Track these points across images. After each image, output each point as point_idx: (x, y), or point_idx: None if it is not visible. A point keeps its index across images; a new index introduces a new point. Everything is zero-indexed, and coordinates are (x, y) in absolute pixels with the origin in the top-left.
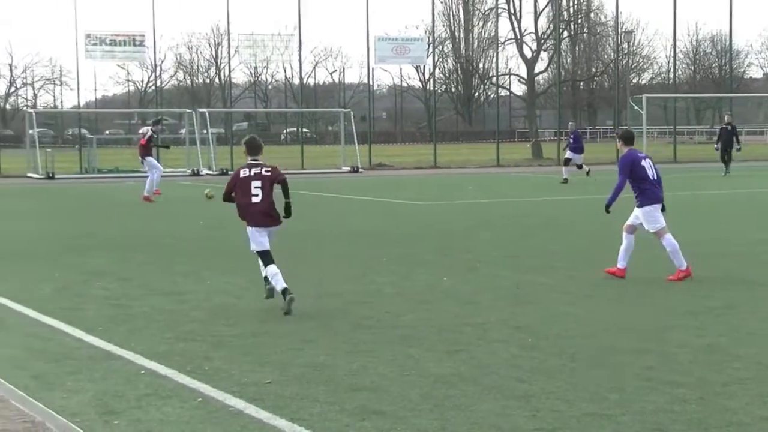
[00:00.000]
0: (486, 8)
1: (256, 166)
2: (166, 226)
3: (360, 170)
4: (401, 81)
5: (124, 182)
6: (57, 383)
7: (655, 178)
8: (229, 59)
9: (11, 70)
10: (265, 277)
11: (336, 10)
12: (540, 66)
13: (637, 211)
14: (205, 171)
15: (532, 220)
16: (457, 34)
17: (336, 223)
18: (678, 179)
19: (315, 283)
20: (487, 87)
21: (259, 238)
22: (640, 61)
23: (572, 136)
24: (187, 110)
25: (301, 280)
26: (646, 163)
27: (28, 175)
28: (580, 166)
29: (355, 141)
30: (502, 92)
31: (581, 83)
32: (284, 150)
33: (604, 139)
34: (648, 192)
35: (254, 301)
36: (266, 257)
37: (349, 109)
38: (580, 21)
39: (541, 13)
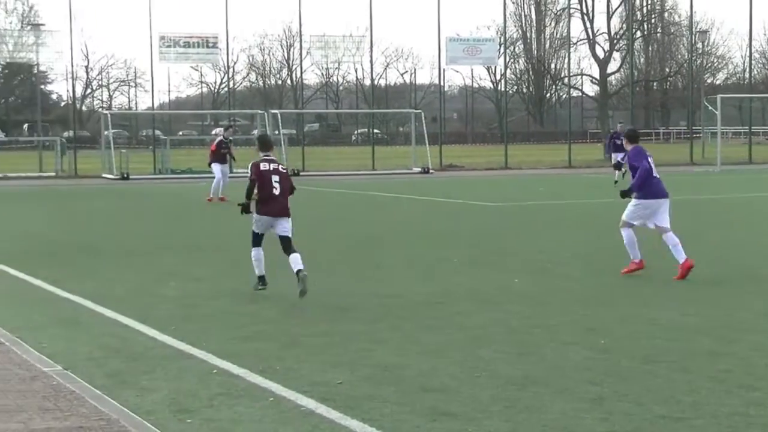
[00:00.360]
0: (558, 8)
1: (273, 161)
2: (238, 226)
3: (430, 171)
4: (472, 82)
5: (197, 183)
6: (131, 381)
7: (657, 176)
8: (301, 60)
9: (87, 72)
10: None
11: (407, 11)
12: (612, 66)
13: (634, 202)
14: None
15: (604, 220)
16: (528, 35)
17: (406, 223)
18: (753, 180)
19: (385, 284)
20: (558, 87)
21: (265, 225)
22: (715, 61)
23: (621, 136)
24: (259, 111)
25: (372, 281)
26: (651, 160)
27: (103, 175)
28: (619, 166)
29: (426, 142)
30: (574, 93)
31: (654, 83)
32: (355, 151)
33: (678, 140)
34: (654, 186)
35: (326, 302)
36: (258, 240)
37: (419, 110)
38: (653, 21)
39: (614, 13)
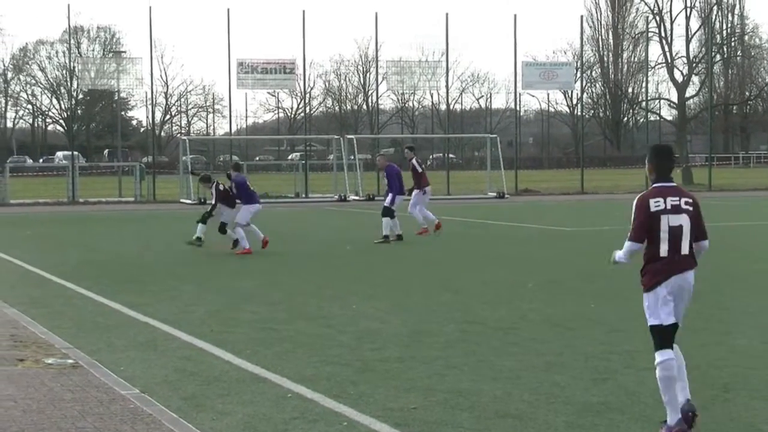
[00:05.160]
0: (636, 32)
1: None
2: (314, 250)
3: (506, 196)
4: (548, 106)
5: (274, 208)
6: (207, 405)
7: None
8: (377, 86)
9: (166, 98)
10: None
11: (483, 36)
12: (691, 90)
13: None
14: (351, 197)
15: None
16: (606, 59)
17: (481, 248)
18: None
19: (460, 309)
20: (636, 112)
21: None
22: None
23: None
24: (335, 136)
25: (447, 305)
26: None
27: (181, 200)
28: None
29: (501, 166)
30: (652, 117)
31: (734, 107)
32: (430, 175)
33: (758, 164)
34: (253, 197)
35: (400, 326)
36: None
37: (495, 135)
38: (733, 44)
39: (692, 36)
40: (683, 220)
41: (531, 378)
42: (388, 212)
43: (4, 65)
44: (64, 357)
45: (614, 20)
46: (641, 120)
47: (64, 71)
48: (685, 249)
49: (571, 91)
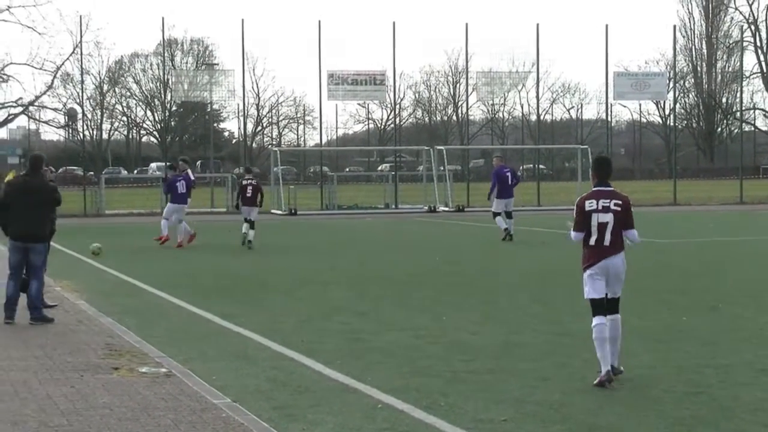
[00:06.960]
0: (730, 42)
1: (250, 179)
2: (403, 261)
3: None
4: (640, 116)
5: (363, 218)
6: (298, 415)
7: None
8: (467, 97)
9: (258, 110)
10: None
11: (574, 46)
12: None
13: None
14: (441, 208)
15: None
16: (699, 69)
17: (569, 259)
18: None
19: (550, 321)
20: (730, 122)
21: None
22: None
23: (494, 175)
24: (425, 147)
25: (536, 318)
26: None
27: (272, 211)
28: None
29: None
30: (747, 127)
31: None
32: (520, 186)
33: None
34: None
35: (490, 338)
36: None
37: (586, 146)
38: None
39: None
40: (609, 218)
41: (623, 391)
42: (495, 214)
43: (100, 78)
44: (158, 366)
45: (708, 29)
46: (735, 131)
47: (158, 83)
48: (607, 241)
49: (664, 102)
